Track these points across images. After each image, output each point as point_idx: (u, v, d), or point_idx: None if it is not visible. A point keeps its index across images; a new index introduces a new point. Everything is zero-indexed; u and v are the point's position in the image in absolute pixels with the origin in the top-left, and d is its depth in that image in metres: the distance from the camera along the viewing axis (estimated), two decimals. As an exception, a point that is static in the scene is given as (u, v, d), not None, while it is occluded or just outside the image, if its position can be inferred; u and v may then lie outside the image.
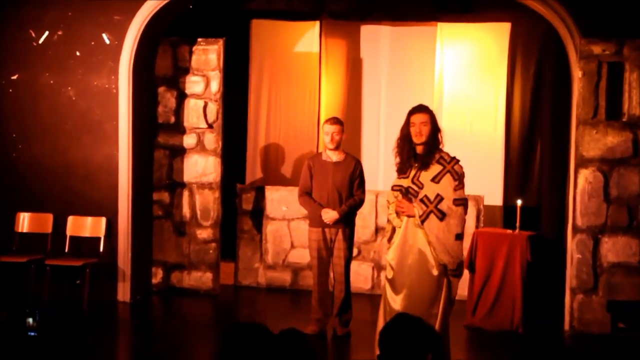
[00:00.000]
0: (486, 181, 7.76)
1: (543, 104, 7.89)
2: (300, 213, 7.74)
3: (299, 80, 8.27)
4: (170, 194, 7.75)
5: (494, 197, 7.86)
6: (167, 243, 7.73)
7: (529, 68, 7.93)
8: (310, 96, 8.26)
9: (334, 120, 6.17)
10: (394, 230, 4.95)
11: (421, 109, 4.90)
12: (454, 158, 4.84)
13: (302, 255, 7.82)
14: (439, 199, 4.75)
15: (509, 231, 6.80)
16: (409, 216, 4.81)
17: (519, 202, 6.79)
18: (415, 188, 4.81)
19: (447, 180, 4.77)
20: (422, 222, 4.73)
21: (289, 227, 8.03)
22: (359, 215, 6.51)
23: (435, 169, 4.81)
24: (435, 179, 4.79)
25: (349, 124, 7.64)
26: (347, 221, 6.15)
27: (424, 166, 4.82)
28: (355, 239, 6.47)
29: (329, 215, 6.08)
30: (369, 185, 6.59)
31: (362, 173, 6.22)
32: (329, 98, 8.28)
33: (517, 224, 6.72)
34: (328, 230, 6.14)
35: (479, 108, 7.97)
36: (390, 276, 4.86)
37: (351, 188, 6.17)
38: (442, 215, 4.73)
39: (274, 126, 8.31)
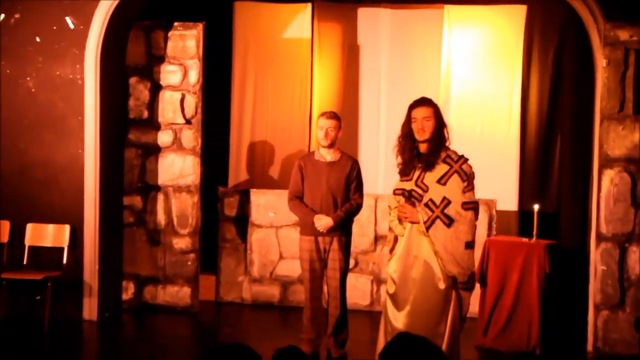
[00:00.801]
0: (499, 183, 7.79)
1: (563, 97, 7.94)
2: (290, 220, 7.73)
3: (289, 70, 8.28)
4: (142, 199, 7.75)
5: (508, 201, 7.89)
6: (140, 254, 7.74)
7: (547, 56, 7.97)
8: (301, 88, 8.27)
9: (330, 115, 6.17)
10: (396, 239, 4.97)
11: (423, 102, 4.90)
12: (461, 156, 4.85)
13: (292, 267, 7.80)
14: (446, 202, 4.76)
15: (525, 240, 6.83)
16: (412, 222, 4.82)
17: (536, 207, 6.82)
18: (419, 191, 4.83)
19: (455, 182, 4.78)
20: (427, 229, 4.75)
21: (277, 235, 8.02)
22: (356, 222, 6.54)
23: (441, 169, 4.81)
24: (442, 181, 4.80)
25: (344, 119, 7.56)
26: (342, 229, 6.16)
27: (429, 166, 4.83)
28: (352, 248, 6.50)
29: (323, 222, 6.07)
30: (367, 189, 6.60)
31: (360, 174, 6.22)
32: (322, 90, 8.29)
33: (534, 232, 6.75)
34: (321, 239, 6.13)
35: (491, 102, 7.99)
36: (391, 291, 4.88)
37: (347, 191, 6.17)
38: (449, 221, 4.74)
39: (261, 122, 8.32)
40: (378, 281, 7.86)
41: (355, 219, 6.34)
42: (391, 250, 4.98)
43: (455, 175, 4.79)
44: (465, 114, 7.93)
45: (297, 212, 6.27)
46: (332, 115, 6.15)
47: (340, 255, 6.14)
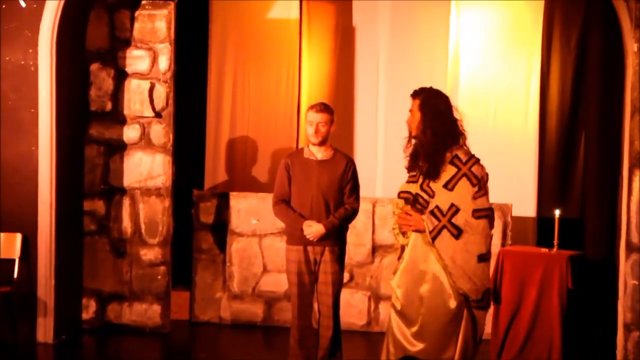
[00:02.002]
0: (515, 186, 7.80)
1: (588, 86, 7.93)
2: (276, 227, 7.74)
3: (274, 55, 8.28)
4: (105, 203, 7.74)
5: (525, 206, 7.89)
6: (102, 267, 7.72)
7: (570, 40, 7.99)
8: (288, 76, 8.27)
9: (321, 107, 6.14)
10: (403, 247, 5.00)
11: (413, 93, 4.98)
12: (472, 157, 4.88)
13: (278, 282, 7.81)
14: (454, 210, 4.79)
15: (545, 250, 6.86)
16: (417, 231, 4.85)
17: (557, 212, 6.84)
18: (425, 196, 4.87)
19: (464, 187, 4.81)
20: (433, 240, 4.78)
21: (260, 245, 8.00)
22: (351, 230, 6.54)
23: (448, 172, 4.84)
24: (449, 185, 4.83)
25: (338, 112, 7.52)
26: (336, 237, 6.14)
27: (432, 168, 4.88)
28: (347, 260, 6.49)
29: (313, 229, 6.05)
30: (364, 191, 6.59)
31: (356, 175, 6.22)
32: (313, 79, 8.30)
33: (555, 241, 6.78)
34: (311, 248, 6.12)
35: (506, 92, 8.00)
36: (398, 307, 4.94)
37: (341, 194, 6.16)
38: (458, 232, 4.77)
39: (241, 115, 8.33)
40: (376, 298, 7.86)
41: (350, 226, 6.33)
42: (399, 258, 5.03)
43: (464, 179, 4.82)
44: (476, 106, 7.92)
45: (284, 218, 6.25)
46: (323, 108, 6.14)
47: (333, 267, 6.12)
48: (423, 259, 4.86)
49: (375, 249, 7.86)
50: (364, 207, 6.91)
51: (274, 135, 8.27)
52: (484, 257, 4.83)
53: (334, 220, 6.08)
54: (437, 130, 4.85)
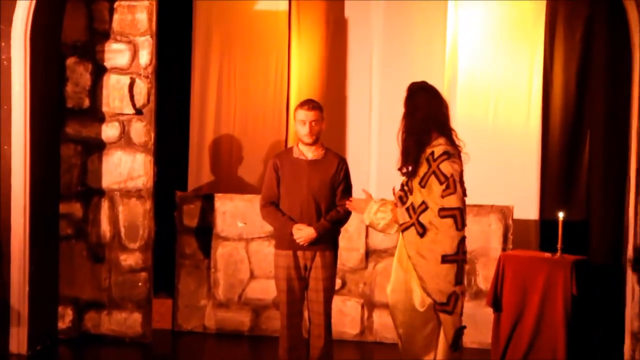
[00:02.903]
0: (516, 187, 7.80)
1: (594, 82, 7.91)
2: (264, 231, 7.74)
3: (262, 49, 8.28)
4: (83, 206, 7.73)
5: (527, 208, 7.88)
6: (80, 273, 7.70)
7: (574, 34, 7.97)
8: (277, 71, 8.27)
9: (313, 105, 6.16)
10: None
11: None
12: (443, 153, 4.97)
13: (266, 289, 7.80)
14: (423, 208, 4.97)
15: (548, 255, 6.88)
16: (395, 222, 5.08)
17: (561, 215, 6.85)
18: (407, 191, 5.09)
19: (434, 184, 4.94)
20: (402, 233, 5.01)
21: (247, 250, 8.00)
22: (343, 234, 6.55)
23: (423, 169, 5.01)
24: (422, 182, 5.01)
25: (329, 108, 7.63)
26: (327, 241, 6.15)
27: (416, 166, 5.04)
28: (339, 265, 6.50)
29: (304, 233, 6.06)
30: (356, 192, 6.51)
31: (348, 175, 6.23)
32: (303, 74, 8.30)
33: (559, 245, 6.80)
34: (301, 253, 6.13)
35: (507, 88, 8.00)
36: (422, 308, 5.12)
37: (333, 196, 6.17)
38: (422, 230, 4.93)
39: (227, 112, 8.32)
40: (370, 305, 7.86)
41: (343, 229, 6.35)
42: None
43: (433, 177, 4.95)
44: (475, 103, 7.94)
45: (272, 222, 6.25)
46: (315, 106, 6.16)
47: (325, 273, 6.13)
48: (405, 259, 5.02)
49: (368, 253, 7.86)
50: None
51: (261, 133, 8.26)
52: (448, 259, 4.90)
53: (325, 223, 6.08)
54: (409, 127, 5.02)
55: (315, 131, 6.10)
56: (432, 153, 4.97)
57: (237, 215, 7.97)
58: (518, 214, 7.73)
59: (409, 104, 5.10)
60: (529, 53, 7.98)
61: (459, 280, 4.99)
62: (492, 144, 7.51)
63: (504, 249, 7.50)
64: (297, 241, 6.07)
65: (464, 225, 5.00)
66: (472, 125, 7.28)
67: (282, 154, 6.32)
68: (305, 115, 6.10)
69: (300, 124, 6.11)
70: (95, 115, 7.68)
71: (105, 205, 7.71)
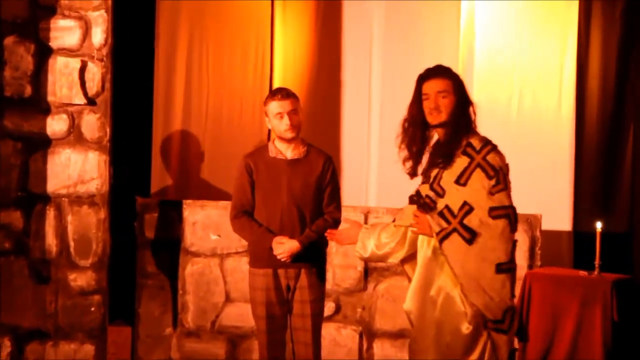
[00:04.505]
0: (545, 192, 7.78)
1: (637, 66, 7.95)
2: (242, 245, 7.55)
3: (240, 30, 8.22)
4: (24, 214, 7.50)
5: (559, 217, 7.87)
6: (20, 296, 7.49)
7: (615, 8, 7.99)
8: (258, 53, 8.24)
9: (288, 92, 6.17)
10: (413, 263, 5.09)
11: (438, 71, 5.04)
12: (487, 143, 4.95)
13: (244, 315, 7.55)
14: (467, 209, 4.86)
15: (583, 273, 6.93)
16: (424, 234, 4.96)
17: (599, 226, 6.89)
18: (433, 196, 4.96)
19: (478, 180, 4.87)
20: (441, 242, 4.86)
21: (222, 267, 7.92)
22: (338, 249, 6.83)
23: (460, 163, 4.93)
24: (461, 179, 4.91)
25: (320, 100, 7.92)
26: (314, 256, 6.12)
27: (446, 161, 4.94)
28: (334, 286, 6.85)
29: (286, 247, 6.02)
30: (354, 199, 6.94)
31: (336, 176, 6.24)
32: (288, 60, 8.28)
33: (597, 262, 6.84)
34: (283, 272, 6.10)
35: (534, 72, 8.00)
36: (412, 337, 5.06)
37: (319, 202, 6.15)
38: (471, 235, 4.81)
39: (198, 103, 8.23)
40: (370, 334, 7.83)
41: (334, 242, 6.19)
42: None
43: (478, 170, 4.87)
44: (496, 89, 7.90)
45: (247, 235, 6.24)
46: (290, 92, 6.17)
47: (312, 294, 6.11)
48: (437, 273, 4.94)
49: (368, 272, 7.80)
50: (354, 219, 6.68)
51: (238, 129, 8.20)
52: (503, 268, 4.82)
53: (310, 234, 6.04)
54: (464, 115, 4.99)
55: (296, 122, 6.09)
56: (469, 144, 4.94)
57: (210, 226, 7.90)
58: (547, 224, 7.68)
59: (462, 93, 5.02)
60: (560, 30, 8.00)
61: (513, 293, 4.94)
62: (515, 139, 7.43)
63: (530, 267, 7.47)
64: (279, 257, 6.04)
65: (516, 227, 4.95)
66: (491, 115, 7.11)
67: (256, 153, 6.31)
68: (280, 105, 6.09)
69: (277, 118, 6.10)
70: (39, 105, 7.46)
71: (50, 214, 7.50)
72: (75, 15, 7.43)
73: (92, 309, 7.49)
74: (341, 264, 7.59)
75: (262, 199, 6.10)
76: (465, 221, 4.80)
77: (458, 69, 7.21)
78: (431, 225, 4.86)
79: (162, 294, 7.93)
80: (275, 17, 8.18)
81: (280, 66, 8.21)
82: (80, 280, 7.48)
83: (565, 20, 7.97)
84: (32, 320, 7.48)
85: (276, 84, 8.07)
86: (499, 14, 8.02)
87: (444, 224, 4.85)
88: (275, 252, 5.98)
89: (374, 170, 8.12)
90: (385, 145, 7.98)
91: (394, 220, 5.22)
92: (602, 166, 8.03)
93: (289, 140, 6.10)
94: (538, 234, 7.54)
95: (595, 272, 6.74)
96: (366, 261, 5.36)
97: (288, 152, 6.12)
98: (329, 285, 7.21)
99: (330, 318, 7.32)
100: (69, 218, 7.47)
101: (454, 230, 4.83)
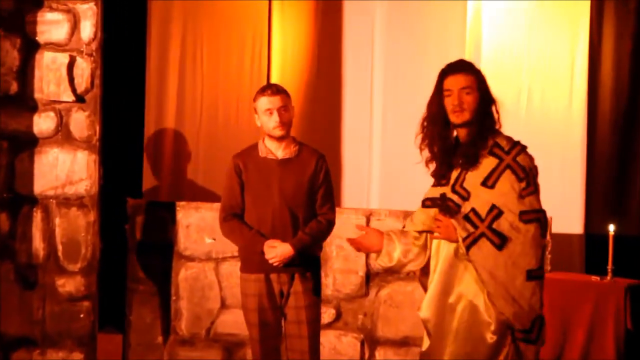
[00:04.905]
0: (555, 194, 7.60)
1: None
2: (237, 249, 7.48)
3: (236, 25, 8.21)
4: (10, 217, 7.52)
5: (569, 220, 7.89)
6: (5, 302, 7.50)
7: (628, 0, 8.00)
8: (254, 52, 8.22)
9: (278, 88, 6.14)
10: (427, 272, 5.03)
11: (462, 67, 5.02)
12: (516, 144, 4.91)
13: (241, 322, 7.12)
14: (496, 213, 4.78)
15: (595, 278, 6.95)
16: (447, 240, 4.88)
17: (612, 228, 6.91)
18: (457, 199, 4.89)
19: (507, 182, 4.81)
20: (468, 249, 4.78)
21: (217, 272, 7.86)
22: (338, 252, 6.85)
23: (487, 164, 4.86)
24: (488, 182, 4.84)
25: (321, 99, 7.91)
26: (307, 260, 6.05)
27: (470, 162, 4.88)
28: (334, 292, 6.87)
29: (278, 251, 5.94)
30: (354, 201, 7.00)
31: (329, 176, 6.18)
32: (286, 57, 8.27)
33: (609, 267, 6.84)
34: (276, 277, 6.02)
35: (543, 68, 7.99)
36: (424, 347, 4.98)
37: (312, 203, 6.09)
38: (501, 241, 4.74)
39: (192, 101, 8.19)
40: (372, 342, 7.78)
41: (337, 247, 6.72)
42: (426, 290, 5.04)
43: (508, 172, 4.81)
44: (503, 85, 7.74)
45: (237, 239, 6.17)
46: (281, 89, 6.13)
47: (307, 299, 6.03)
48: (457, 280, 4.87)
49: (370, 277, 7.75)
50: (356, 221, 6.87)
51: (234, 128, 8.15)
52: (534, 275, 4.74)
53: (304, 237, 5.97)
54: (488, 113, 4.96)
55: (285, 120, 6.03)
56: (497, 144, 4.89)
57: (205, 229, 7.83)
58: (557, 227, 7.62)
59: (485, 90, 4.98)
60: (571, 25, 8.00)
61: (542, 301, 4.87)
62: (524, 139, 7.41)
63: (540, 271, 7.39)
64: (271, 262, 5.96)
65: (546, 232, 4.95)
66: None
67: (245, 153, 6.23)
68: (269, 102, 6.03)
69: (266, 115, 6.04)
70: (25, 103, 7.48)
71: (37, 216, 7.50)
72: (63, 8, 7.44)
73: (81, 315, 7.48)
74: (341, 269, 7.57)
75: (252, 201, 6.06)
76: (495, 225, 4.76)
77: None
78: (457, 229, 4.81)
79: (155, 300, 7.89)
80: (273, 10, 8.18)
81: (278, 63, 8.20)
82: (68, 285, 7.46)
83: (576, 15, 7.97)
84: (18, 328, 7.47)
85: (274, 81, 7.98)
86: (507, 11, 8.02)
87: (471, 229, 4.80)
88: (267, 257, 5.93)
89: (376, 171, 8.11)
90: (387, 145, 8.07)
91: (404, 226, 5.16)
92: (614, 166, 8.04)
93: (279, 139, 6.06)
94: (548, 237, 7.28)
95: (608, 277, 6.73)
96: (387, 270, 5.19)
97: (279, 151, 6.08)
98: (329, 290, 7.29)
99: (330, 325, 7.30)
100: (57, 220, 7.46)
101: (482, 235, 4.77)
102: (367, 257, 7.56)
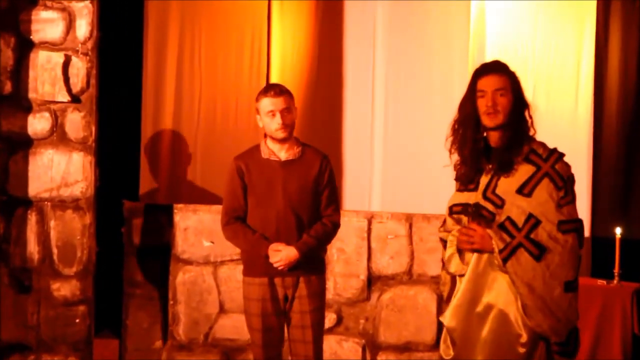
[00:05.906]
0: None
1: None
2: (236, 252, 7.39)
3: (234, 24, 8.22)
4: (4, 219, 7.48)
5: None
6: None
7: None
8: (254, 52, 8.22)
9: (279, 90, 6.12)
10: (454, 280, 5.03)
11: (497, 67, 5.03)
12: (554, 151, 4.93)
13: (240, 326, 7.40)
14: (533, 222, 4.79)
15: (601, 282, 7.02)
16: (480, 252, 4.86)
17: (619, 231, 6.95)
18: (491, 207, 4.86)
19: (546, 190, 4.83)
20: (505, 262, 4.78)
21: (215, 276, 7.89)
22: (339, 256, 6.91)
23: (523, 171, 4.88)
24: (525, 190, 4.84)
25: (321, 100, 7.89)
26: (313, 263, 6.08)
27: (504, 168, 4.88)
28: (335, 296, 6.87)
29: (283, 254, 5.98)
30: (356, 203, 6.94)
31: (333, 177, 6.22)
32: (286, 57, 8.27)
33: (616, 270, 6.91)
34: (280, 281, 6.05)
35: (549, 69, 8.00)
36: (448, 357, 4.98)
37: (317, 205, 6.12)
38: (539, 251, 4.75)
39: (190, 102, 8.19)
40: (374, 347, 7.83)
41: (338, 250, 6.71)
42: (448, 299, 5.08)
43: (546, 180, 4.83)
44: None
45: (240, 242, 6.19)
46: (284, 90, 6.12)
47: (312, 304, 6.06)
48: (487, 289, 4.87)
49: (372, 280, 7.80)
50: (357, 224, 7.04)
51: (233, 129, 8.16)
52: (571, 286, 4.78)
53: (309, 240, 5.99)
54: (522, 117, 4.99)
55: (288, 122, 6.04)
56: (534, 151, 4.92)
57: (203, 232, 7.87)
58: None
59: (519, 92, 5.01)
60: (577, 24, 8.02)
61: (578, 313, 4.92)
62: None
63: (544, 275, 7.42)
64: (275, 265, 5.99)
65: (583, 242, 4.95)
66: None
67: (247, 155, 6.25)
68: (272, 103, 6.04)
69: (269, 116, 6.05)
70: (20, 103, 7.43)
71: (32, 219, 7.47)
72: (58, 6, 7.42)
73: (77, 320, 7.48)
74: (343, 273, 7.59)
75: (255, 204, 6.06)
76: (532, 235, 4.75)
77: (468, 69, 7.34)
78: (494, 240, 4.79)
79: (152, 305, 7.91)
80: (273, 9, 8.18)
81: (277, 63, 8.20)
82: (64, 289, 7.46)
83: (582, 14, 7.97)
84: (12, 332, 7.46)
85: (273, 81, 8.00)
86: (511, 11, 8.02)
87: (508, 239, 4.79)
88: (271, 261, 5.94)
89: (377, 173, 8.10)
90: (389, 147, 8.08)
91: (440, 238, 5.15)
92: (621, 168, 8.04)
93: (281, 141, 6.06)
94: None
95: (615, 281, 6.76)
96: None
97: (282, 153, 6.08)
98: (330, 295, 7.26)
99: (331, 330, 7.34)
100: (52, 223, 7.45)
101: (520, 245, 4.76)
102: (369, 260, 7.71)
